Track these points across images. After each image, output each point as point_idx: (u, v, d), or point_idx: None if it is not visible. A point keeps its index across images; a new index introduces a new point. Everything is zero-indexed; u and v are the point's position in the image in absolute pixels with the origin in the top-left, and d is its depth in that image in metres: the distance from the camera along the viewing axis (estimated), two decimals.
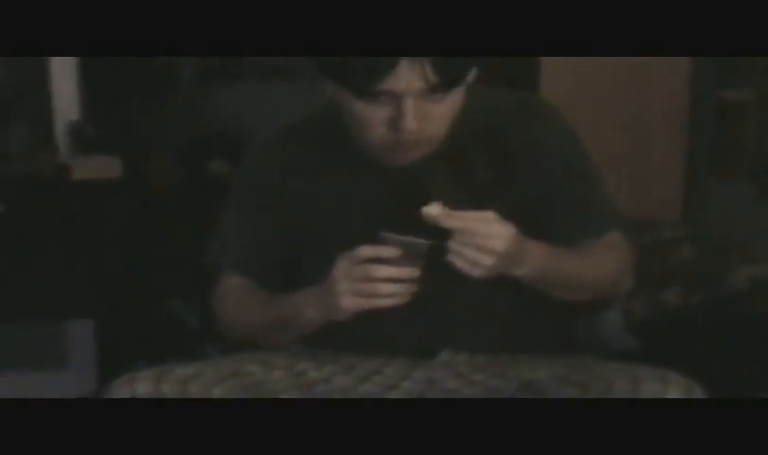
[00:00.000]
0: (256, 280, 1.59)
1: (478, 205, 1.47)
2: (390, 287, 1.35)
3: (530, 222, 1.46)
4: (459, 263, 1.36)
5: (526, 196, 1.50)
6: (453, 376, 1.48)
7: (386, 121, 1.40)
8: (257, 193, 1.58)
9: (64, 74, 3.02)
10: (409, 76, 1.35)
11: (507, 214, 1.43)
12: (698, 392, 1.31)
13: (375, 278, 1.35)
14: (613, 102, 2.76)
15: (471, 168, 1.51)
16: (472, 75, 1.45)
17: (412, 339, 1.49)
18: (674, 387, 1.30)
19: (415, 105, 1.37)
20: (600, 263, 1.51)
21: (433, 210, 1.35)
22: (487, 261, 1.35)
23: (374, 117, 1.40)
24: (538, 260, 1.42)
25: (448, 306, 1.49)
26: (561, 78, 2.69)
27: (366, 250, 1.36)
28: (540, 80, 2.72)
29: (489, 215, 1.36)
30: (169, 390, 1.36)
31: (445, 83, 1.38)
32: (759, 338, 1.96)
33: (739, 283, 2.15)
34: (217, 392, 1.39)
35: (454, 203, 1.47)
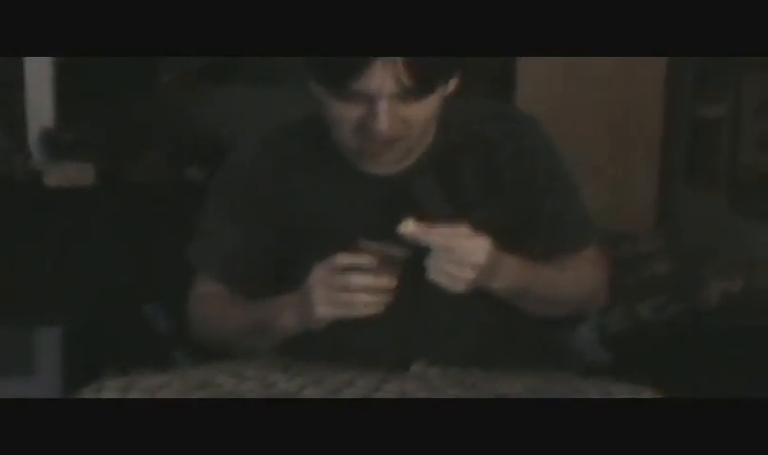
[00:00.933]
0: (233, 285, 1.58)
1: (462, 213, 1.48)
2: (366, 297, 1.35)
3: (511, 231, 1.47)
4: (439, 280, 1.35)
5: (510, 205, 1.50)
6: (426, 390, 1.47)
7: (359, 122, 1.39)
8: (238, 197, 1.57)
9: (38, 78, 3.00)
10: (382, 76, 1.35)
11: (490, 223, 1.44)
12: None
13: (352, 287, 1.34)
14: (588, 114, 2.78)
15: (456, 177, 1.51)
16: (450, 85, 1.45)
17: (385, 351, 1.49)
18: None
19: (388, 107, 1.37)
20: (576, 278, 1.52)
21: (409, 227, 1.35)
22: (468, 275, 1.34)
23: (348, 117, 1.40)
24: (513, 273, 1.42)
25: (422, 317, 1.49)
26: (535, 90, 2.70)
27: (343, 259, 1.35)
28: (515, 93, 2.73)
29: (464, 230, 1.36)
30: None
31: (419, 87, 1.37)
32: (732, 352, 1.97)
33: (712, 297, 2.17)
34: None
35: (438, 211, 1.48)
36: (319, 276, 1.36)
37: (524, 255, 1.46)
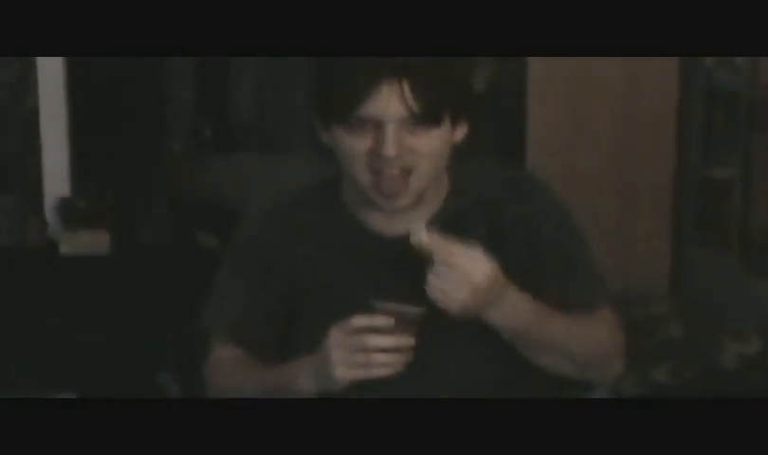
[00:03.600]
0: (249, 349, 1.58)
1: None
2: (384, 357, 1.35)
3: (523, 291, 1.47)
4: (435, 296, 1.37)
5: (518, 268, 1.51)
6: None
7: (370, 154, 1.42)
8: (254, 261, 1.58)
9: (54, 144, 3.03)
10: (388, 100, 1.38)
11: None
12: None
13: (370, 348, 1.35)
14: (600, 176, 2.79)
15: (465, 238, 1.52)
16: (458, 131, 1.47)
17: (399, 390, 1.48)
18: None
19: (395, 132, 1.39)
20: (590, 337, 1.50)
21: (421, 236, 1.35)
22: (462, 295, 1.35)
23: (358, 150, 1.42)
24: (517, 308, 1.42)
25: (435, 380, 1.48)
26: (545, 150, 2.72)
27: (359, 320, 1.35)
28: (525, 154, 2.75)
29: (471, 251, 1.37)
30: None
31: (425, 114, 1.40)
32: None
33: (727, 361, 2.15)
34: None
35: None
36: (336, 338, 1.37)
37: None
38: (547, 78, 2.68)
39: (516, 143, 2.77)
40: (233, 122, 3.88)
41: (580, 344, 1.50)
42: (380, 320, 1.34)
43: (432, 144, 1.43)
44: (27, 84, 2.96)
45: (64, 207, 3.00)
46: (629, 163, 2.80)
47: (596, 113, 2.75)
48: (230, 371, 1.57)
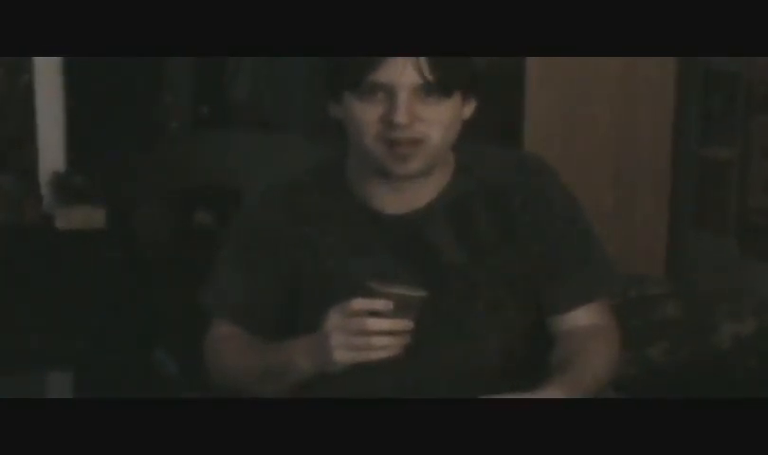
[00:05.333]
0: (250, 327, 1.58)
1: (476, 258, 1.49)
2: (383, 340, 1.35)
3: (528, 278, 1.48)
4: None
5: (526, 252, 1.51)
6: None
7: (380, 120, 1.41)
8: (256, 240, 1.58)
9: (50, 123, 3.02)
10: (402, 68, 1.39)
11: (507, 269, 1.45)
12: None
13: (369, 331, 1.35)
14: (598, 159, 2.79)
15: (472, 221, 1.52)
16: (467, 107, 1.47)
17: (396, 391, 1.48)
18: None
19: (408, 100, 1.39)
20: (596, 365, 1.48)
21: None
22: None
23: (369, 118, 1.42)
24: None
25: (436, 361, 1.49)
26: (545, 133, 2.72)
27: (359, 303, 1.35)
28: (523, 135, 2.74)
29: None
30: None
31: (438, 84, 1.40)
32: (742, 396, 1.96)
33: (723, 340, 2.16)
34: None
35: (452, 255, 1.49)
36: (335, 320, 1.37)
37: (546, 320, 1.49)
38: (545, 61, 2.67)
39: (514, 125, 2.76)
40: (231, 100, 3.87)
41: (605, 369, 1.49)
42: (380, 304, 1.34)
43: (443, 115, 1.43)
44: (24, 62, 2.95)
45: (60, 182, 3.00)
46: (626, 144, 2.79)
47: (594, 94, 2.74)
48: (229, 349, 1.58)
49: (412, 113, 1.40)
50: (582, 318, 1.53)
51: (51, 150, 3.02)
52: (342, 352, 1.36)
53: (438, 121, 1.43)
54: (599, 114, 2.76)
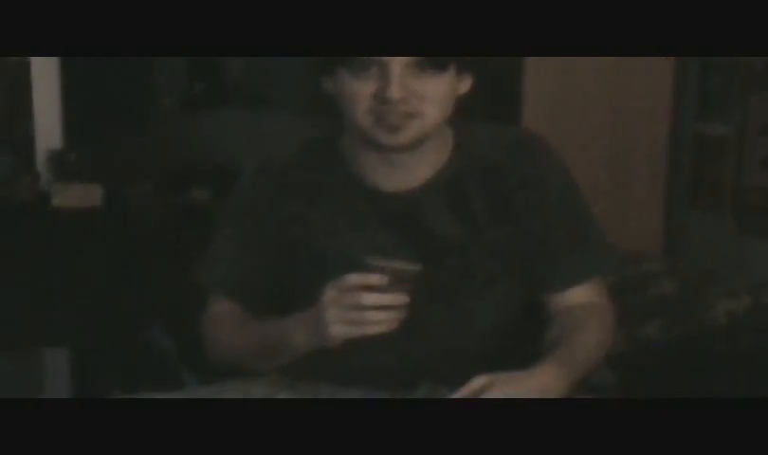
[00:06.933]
0: (246, 303, 1.58)
1: (471, 235, 1.48)
2: (379, 315, 1.35)
3: (524, 256, 1.49)
4: None
5: (522, 230, 1.51)
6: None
7: (373, 95, 1.41)
8: (252, 216, 1.58)
9: (46, 100, 3.02)
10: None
11: (501, 246, 1.46)
12: None
13: (364, 305, 1.35)
14: (594, 136, 2.78)
15: (467, 198, 1.51)
16: (463, 84, 1.47)
17: (394, 371, 1.49)
18: None
19: (401, 74, 1.39)
20: (591, 343, 1.50)
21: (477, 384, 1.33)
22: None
23: (362, 94, 1.42)
24: (552, 375, 1.39)
25: (430, 337, 1.49)
26: (542, 111, 2.71)
27: (354, 278, 1.35)
28: (522, 112, 2.74)
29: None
30: None
31: (432, 59, 1.40)
32: (737, 373, 1.97)
33: (718, 317, 2.16)
34: None
35: (447, 231, 1.49)
36: (331, 295, 1.37)
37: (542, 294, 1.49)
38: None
39: (511, 104, 2.75)
40: (223, 77, 3.86)
41: (588, 355, 1.50)
42: (375, 278, 1.34)
43: (437, 90, 1.43)
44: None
45: (56, 160, 2.99)
46: (622, 122, 2.79)
47: (591, 72, 2.74)
48: (226, 325, 1.58)
49: (406, 87, 1.40)
50: (579, 296, 1.54)
51: (47, 128, 3.02)
52: (338, 326, 1.37)
53: (431, 96, 1.43)
54: (595, 92, 2.76)
